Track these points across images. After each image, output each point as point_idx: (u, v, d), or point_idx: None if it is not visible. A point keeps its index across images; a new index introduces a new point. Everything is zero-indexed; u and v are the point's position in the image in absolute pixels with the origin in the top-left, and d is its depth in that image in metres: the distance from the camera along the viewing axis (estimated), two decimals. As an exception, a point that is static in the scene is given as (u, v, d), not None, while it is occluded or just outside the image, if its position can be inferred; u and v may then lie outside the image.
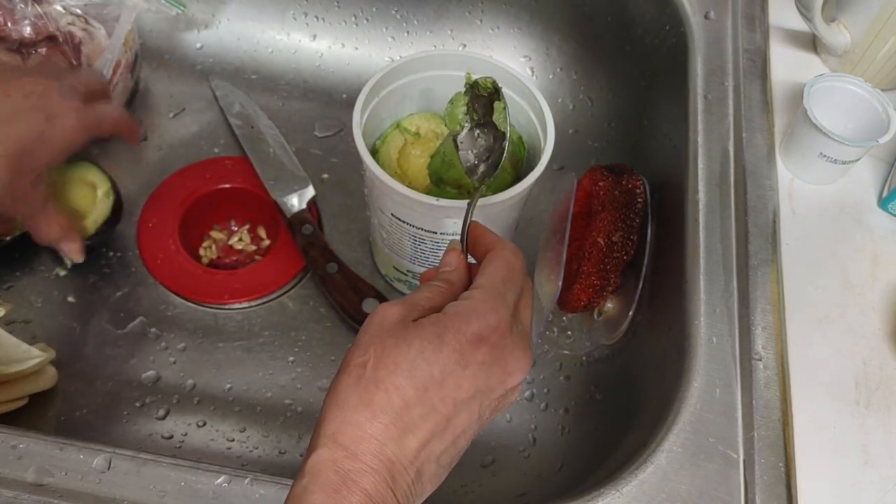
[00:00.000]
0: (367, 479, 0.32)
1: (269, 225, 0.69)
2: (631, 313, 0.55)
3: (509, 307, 0.37)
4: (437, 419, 0.34)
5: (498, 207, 0.50)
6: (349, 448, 0.32)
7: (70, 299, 0.63)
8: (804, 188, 0.56)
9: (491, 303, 0.36)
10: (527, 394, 0.61)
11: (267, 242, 0.69)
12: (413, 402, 0.34)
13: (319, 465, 0.32)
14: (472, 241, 0.41)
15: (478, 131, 0.46)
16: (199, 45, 0.77)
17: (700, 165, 0.55)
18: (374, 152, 0.57)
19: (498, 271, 0.38)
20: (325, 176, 0.71)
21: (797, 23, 0.63)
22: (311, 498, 0.31)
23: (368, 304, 0.61)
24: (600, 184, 0.58)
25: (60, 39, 0.64)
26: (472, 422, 0.36)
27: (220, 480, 0.42)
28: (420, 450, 0.34)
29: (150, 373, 0.60)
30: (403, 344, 0.34)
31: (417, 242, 0.55)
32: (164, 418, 0.59)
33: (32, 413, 0.56)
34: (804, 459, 0.44)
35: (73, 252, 0.56)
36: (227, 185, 0.68)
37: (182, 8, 0.71)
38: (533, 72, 0.76)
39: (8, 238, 0.61)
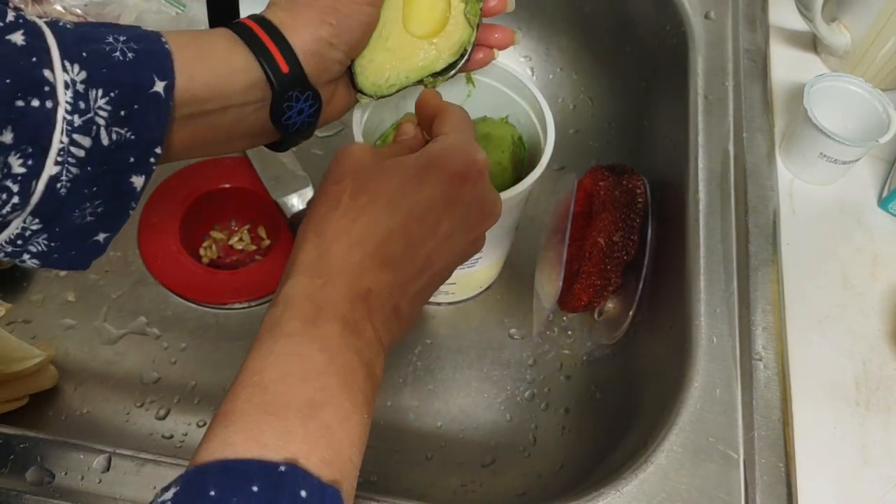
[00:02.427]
0: (344, 307, 0.31)
1: (269, 225, 0.69)
2: (631, 313, 0.55)
3: (481, 151, 0.37)
4: (417, 256, 0.33)
5: (498, 207, 0.50)
6: (326, 277, 0.32)
7: (70, 299, 0.63)
8: (804, 188, 0.56)
9: (468, 145, 0.37)
10: (527, 394, 0.61)
11: (267, 242, 0.69)
12: (394, 236, 0.33)
13: (295, 294, 0.31)
14: (420, 106, 0.42)
15: None
16: (199, 45, 0.77)
17: (700, 165, 0.55)
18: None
19: (461, 122, 0.39)
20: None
21: (797, 23, 0.63)
22: (289, 326, 0.30)
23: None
24: (601, 184, 0.58)
25: (61, 39, 0.64)
26: (448, 263, 0.35)
27: (220, 480, 0.42)
28: (398, 285, 0.33)
29: (151, 373, 0.60)
30: (384, 177, 0.34)
31: (418, 242, 0.55)
32: (164, 418, 0.59)
33: (32, 413, 0.56)
34: (804, 459, 0.44)
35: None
36: (228, 185, 0.68)
37: (182, 8, 0.71)
38: (533, 72, 0.76)
39: (7, 266, 0.62)
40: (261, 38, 0.36)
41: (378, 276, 0.32)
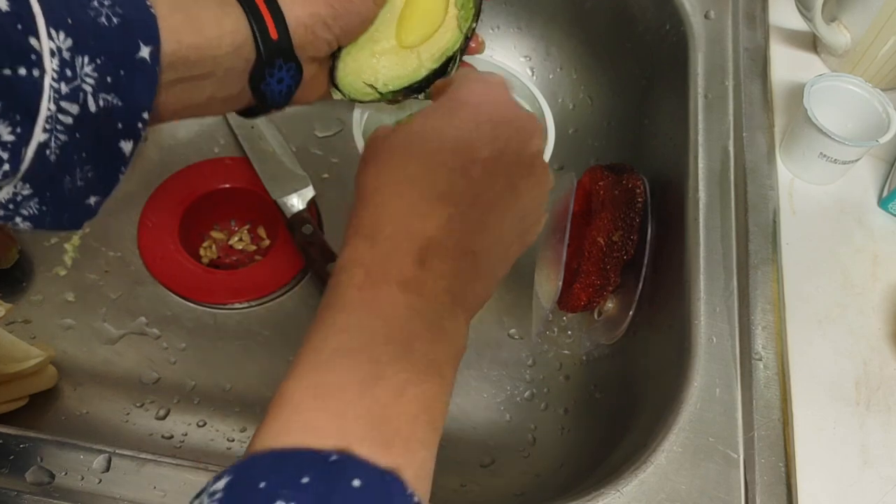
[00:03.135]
0: (394, 264, 0.30)
1: (269, 225, 0.69)
2: (631, 313, 0.55)
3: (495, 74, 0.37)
4: (465, 182, 0.32)
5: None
6: (370, 237, 0.31)
7: (70, 299, 0.63)
8: (804, 188, 0.56)
9: (474, 73, 0.37)
10: (526, 393, 0.61)
11: (267, 242, 0.69)
12: (433, 167, 0.32)
13: (344, 264, 0.31)
14: (435, 93, 0.42)
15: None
16: (198, 45, 0.77)
17: (700, 165, 0.55)
18: (373, 152, 0.57)
19: (464, 72, 0.39)
20: (326, 176, 0.71)
21: (797, 22, 0.63)
22: (340, 299, 0.30)
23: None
24: (600, 183, 0.58)
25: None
26: (507, 189, 0.34)
27: (219, 480, 0.42)
28: (453, 219, 0.32)
29: (151, 373, 0.60)
30: (410, 127, 0.34)
31: (417, 242, 0.55)
32: (164, 418, 0.59)
33: (32, 413, 0.56)
34: (804, 459, 0.44)
35: None
36: (227, 185, 0.68)
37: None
38: (533, 71, 0.76)
39: (7, 266, 0.62)
40: (255, 2, 0.37)
41: (427, 216, 0.31)
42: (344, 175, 0.71)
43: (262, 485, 0.24)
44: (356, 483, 0.24)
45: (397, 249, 0.30)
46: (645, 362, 0.55)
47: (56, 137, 0.30)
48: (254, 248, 0.68)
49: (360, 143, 0.51)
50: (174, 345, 0.62)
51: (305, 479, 0.24)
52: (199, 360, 0.61)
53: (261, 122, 0.72)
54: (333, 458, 0.25)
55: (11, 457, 0.42)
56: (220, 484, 0.24)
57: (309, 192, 0.67)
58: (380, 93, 0.44)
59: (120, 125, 0.33)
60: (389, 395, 0.27)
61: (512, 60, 0.75)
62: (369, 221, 0.31)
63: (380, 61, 0.44)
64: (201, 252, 0.68)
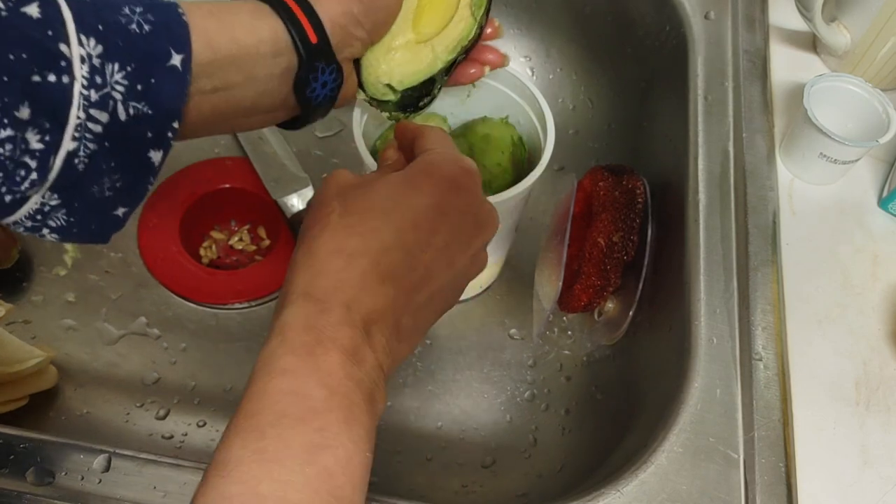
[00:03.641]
0: (343, 333, 0.30)
1: (269, 225, 0.69)
2: (631, 313, 0.55)
3: (470, 160, 0.36)
4: (416, 266, 0.32)
5: (498, 208, 0.50)
6: (322, 301, 0.30)
7: (70, 299, 0.63)
8: (804, 188, 0.56)
9: (456, 154, 0.36)
10: (527, 394, 0.61)
11: (267, 243, 0.69)
12: (391, 246, 0.31)
13: (289, 324, 0.30)
14: (399, 131, 0.41)
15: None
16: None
17: (700, 166, 0.55)
18: (374, 152, 0.57)
19: (443, 139, 0.38)
20: (326, 176, 0.71)
21: (797, 23, 0.63)
22: (282, 362, 0.29)
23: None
24: (601, 184, 0.58)
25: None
26: (450, 278, 0.34)
27: (220, 480, 0.42)
28: (398, 299, 0.32)
29: (151, 373, 0.60)
30: (373, 191, 0.33)
31: (418, 243, 0.55)
32: (164, 418, 0.59)
33: (33, 413, 0.56)
34: (804, 459, 0.44)
35: None
36: (228, 186, 0.68)
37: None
38: (533, 72, 0.76)
39: (7, 266, 0.62)
40: (290, 6, 0.36)
41: (377, 291, 0.31)
42: (344, 176, 0.71)
43: None
44: None
45: (343, 318, 0.30)
46: (645, 363, 0.55)
47: (85, 146, 0.30)
48: (254, 248, 0.68)
49: (360, 143, 0.51)
50: (175, 345, 0.62)
51: None
52: (200, 361, 0.61)
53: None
54: None
55: (12, 457, 0.42)
56: None
57: (309, 192, 0.67)
58: (394, 90, 0.44)
59: (149, 134, 0.32)
60: (336, 463, 0.27)
61: (512, 61, 0.75)
62: (315, 286, 0.31)
63: (395, 58, 0.43)
64: (201, 252, 0.68)
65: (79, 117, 0.29)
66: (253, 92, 0.36)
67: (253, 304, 0.64)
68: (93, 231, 0.33)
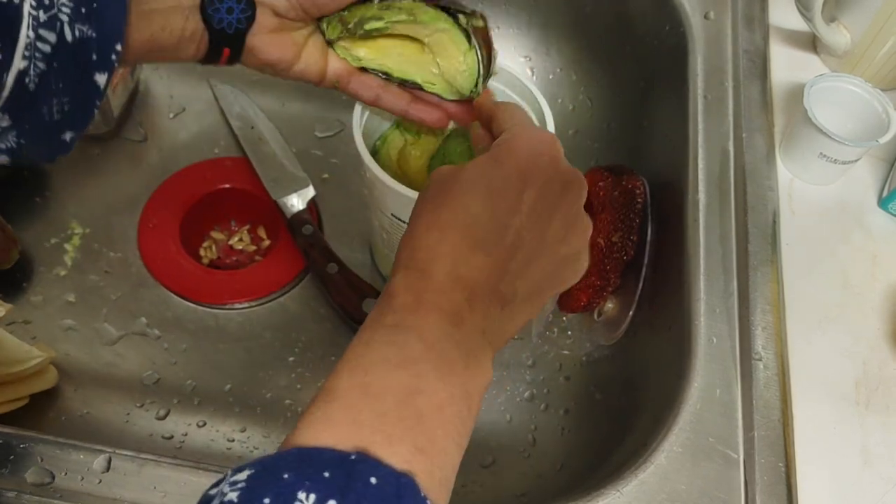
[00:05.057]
0: (441, 297, 0.31)
1: (269, 225, 0.69)
2: (631, 313, 0.55)
3: (549, 132, 0.38)
4: (505, 233, 0.33)
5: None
6: (421, 269, 0.32)
7: (71, 300, 0.63)
8: (804, 188, 0.56)
9: (534, 128, 0.38)
10: (526, 394, 0.61)
11: (267, 243, 0.69)
12: (480, 216, 0.33)
13: (394, 289, 0.32)
14: (477, 110, 0.44)
15: None
16: (199, 46, 0.77)
17: (700, 166, 0.55)
18: (374, 153, 0.57)
19: (516, 115, 0.39)
20: (326, 176, 0.71)
21: (797, 23, 0.63)
22: (386, 318, 0.31)
23: (368, 305, 0.61)
24: (600, 184, 0.58)
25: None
26: (545, 244, 0.35)
27: (220, 480, 0.42)
28: (492, 265, 0.33)
29: (151, 373, 0.60)
30: (461, 172, 0.35)
31: (417, 243, 0.55)
32: (164, 418, 0.59)
33: (33, 413, 0.56)
34: (804, 459, 0.44)
35: None
36: (228, 186, 0.68)
37: None
38: (533, 72, 0.76)
39: (7, 267, 0.62)
40: None
41: (470, 259, 0.32)
42: (344, 176, 0.72)
43: (285, 475, 0.25)
44: (373, 480, 0.25)
45: (441, 284, 0.32)
46: (645, 363, 0.55)
47: (35, 65, 0.32)
48: (254, 248, 0.68)
49: (359, 143, 0.51)
50: (175, 345, 0.62)
51: (327, 474, 0.25)
52: (200, 361, 0.61)
53: (261, 123, 0.72)
54: (353, 457, 0.26)
55: (12, 457, 0.42)
56: (242, 475, 0.25)
57: (309, 193, 0.67)
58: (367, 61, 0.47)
59: (94, 56, 0.35)
60: (429, 408, 0.29)
61: (512, 61, 0.75)
62: (414, 257, 0.33)
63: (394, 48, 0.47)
64: (201, 252, 0.68)
65: (28, 36, 0.31)
66: (180, 19, 0.40)
67: (253, 304, 0.64)
68: (41, 154, 0.36)
